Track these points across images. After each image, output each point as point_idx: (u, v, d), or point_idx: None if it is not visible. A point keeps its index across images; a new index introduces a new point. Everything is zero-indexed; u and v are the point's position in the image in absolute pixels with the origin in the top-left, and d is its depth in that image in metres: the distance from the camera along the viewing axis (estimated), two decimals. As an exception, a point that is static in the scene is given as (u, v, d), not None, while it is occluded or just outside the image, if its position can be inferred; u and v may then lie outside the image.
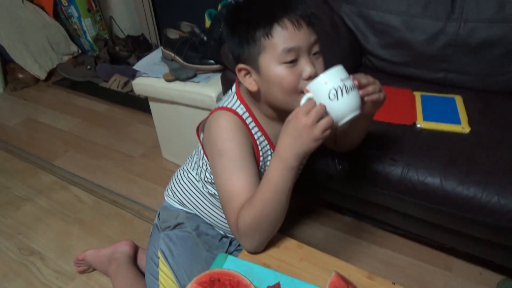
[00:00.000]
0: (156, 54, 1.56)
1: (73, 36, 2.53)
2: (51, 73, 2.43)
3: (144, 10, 2.51)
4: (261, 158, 0.84)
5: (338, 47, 1.31)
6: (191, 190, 0.99)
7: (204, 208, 0.99)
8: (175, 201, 1.03)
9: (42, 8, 2.39)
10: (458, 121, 1.11)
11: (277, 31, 0.70)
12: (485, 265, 1.18)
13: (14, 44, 2.24)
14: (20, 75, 2.33)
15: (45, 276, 1.24)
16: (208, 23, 1.47)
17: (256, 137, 0.83)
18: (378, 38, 1.34)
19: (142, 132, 1.90)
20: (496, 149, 1.00)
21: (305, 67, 0.71)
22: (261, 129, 0.83)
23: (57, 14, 2.46)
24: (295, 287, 0.67)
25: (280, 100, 0.76)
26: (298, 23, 0.71)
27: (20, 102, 2.23)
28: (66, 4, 2.36)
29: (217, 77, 1.33)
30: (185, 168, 1.02)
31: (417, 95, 1.24)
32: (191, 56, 1.38)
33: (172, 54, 1.44)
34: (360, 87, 0.70)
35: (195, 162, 0.97)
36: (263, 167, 0.86)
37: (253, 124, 0.82)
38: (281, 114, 0.80)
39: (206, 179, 0.92)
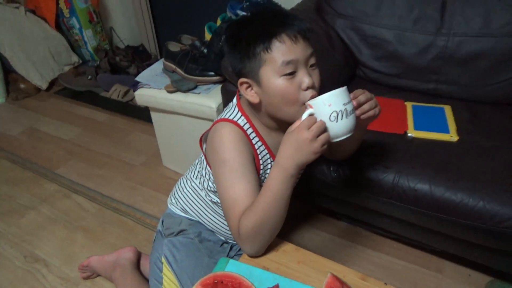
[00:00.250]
0: (158, 66, 1.61)
1: (74, 46, 2.57)
2: (52, 83, 2.47)
3: (144, 21, 2.56)
4: (262, 167, 0.89)
5: (334, 59, 1.37)
6: (194, 198, 1.03)
7: (207, 215, 1.03)
8: (178, 209, 1.07)
9: (44, 19, 2.44)
10: (447, 130, 1.16)
11: (276, 46, 0.75)
12: (474, 267, 1.23)
13: (16, 55, 2.29)
14: (22, 85, 2.37)
15: (50, 283, 1.28)
16: (208, 36, 1.53)
17: (256, 147, 0.87)
18: (371, 50, 1.40)
19: (142, 141, 1.95)
20: (482, 157, 1.06)
21: (304, 78, 0.77)
22: (261, 139, 0.88)
23: (59, 26, 2.50)
24: (293, 288, 0.72)
25: (281, 110, 0.80)
26: (295, 38, 0.76)
27: (21, 112, 2.27)
28: (68, 15, 2.41)
29: (217, 89, 1.38)
30: (188, 176, 1.06)
31: (409, 105, 1.29)
32: (192, 68, 1.43)
33: (173, 66, 1.49)
34: (358, 105, 0.76)
35: (198, 171, 1.01)
36: (263, 175, 0.91)
37: (253, 134, 0.87)
38: (281, 124, 0.86)
39: (209, 188, 0.96)
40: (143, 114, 2.05)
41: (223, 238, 1.05)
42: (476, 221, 0.96)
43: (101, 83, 2.32)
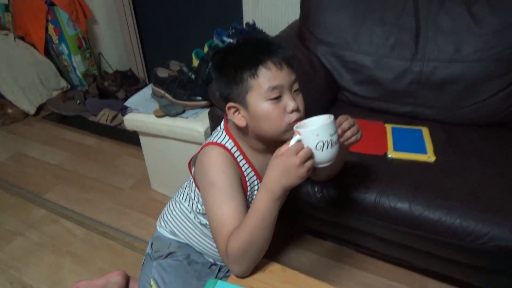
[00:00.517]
0: (146, 91, 1.65)
1: (63, 72, 2.60)
2: (40, 108, 2.48)
3: (132, 46, 2.62)
4: (249, 189, 0.92)
5: (316, 83, 1.43)
6: (183, 220, 1.05)
7: (195, 238, 1.05)
8: (167, 231, 1.09)
9: (34, 46, 2.47)
10: (424, 151, 1.22)
11: (262, 72, 0.80)
12: (456, 284, 1.26)
13: (5, 81, 2.31)
14: (10, 110, 2.38)
15: (37, 309, 1.27)
16: (195, 62, 1.58)
17: (243, 169, 0.91)
18: (352, 75, 1.47)
19: (130, 165, 1.96)
20: (458, 176, 1.11)
21: (289, 102, 0.81)
22: (248, 161, 0.92)
23: (48, 52, 2.54)
24: (279, 306, 0.74)
25: (268, 132, 0.85)
26: (280, 65, 0.81)
27: (9, 137, 2.27)
28: (57, 42, 2.45)
29: (205, 113, 1.42)
30: (177, 199, 1.09)
31: (388, 127, 1.35)
32: (180, 93, 1.47)
33: (162, 92, 1.53)
34: (342, 132, 0.81)
35: (187, 194, 1.04)
36: (250, 196, 0.94)
37: (241, 157, 0.91)
38: (267, 146, 0.90)
39: (197, 210, 0.99)
40: (131, 138, 2.07)
41: (211, 260, 1.07)
42: (454, 239, 1.00)
43: (89, 108, 2.34)
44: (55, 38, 2.44)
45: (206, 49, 1.62)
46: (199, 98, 1.45)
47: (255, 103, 0.82)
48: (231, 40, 1.73)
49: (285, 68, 0.82)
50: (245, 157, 0.92)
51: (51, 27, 2.40)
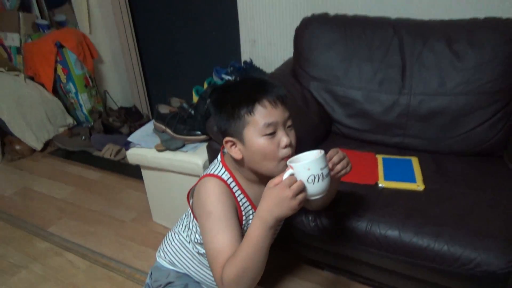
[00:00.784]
0: (149, 127, 1.73)
1: (70, 109, 2.71)
2: (47, 144, 2.56)
3: (136, 84, 2.73)
4: (244, 218, 0.97)
5: (309, 117, 1.50)
6: (182, 251, 1.10)
7: (194, 267, 1.09)
8: (167, 262, 1.13)
9: (42, 85, 2.59)
10: (413, 180, 1.26)
11: (258, 110, 0.87)
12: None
13: (14, 118, 2.41)
14: (18, 147, 2.46)
15: None
16: (195, 98, 1.66)
17: (239, 199, 0.96)
18: (343, 109, 1.54)
19: (133, 198, 2.01)
20: (446, 204, 1.15)
21: (283, 138, 0.88)
22: (243, 192, 0.97)
23: (56, 90, 2.65)
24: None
25: (262, 165, 0.91)
26: (275, 103, 0.89)
27: (16, 172, 2.34)
28: (65, 81, 2.57)
29: (203, 147, 1.48)
30: (176, 230, 1.13)
31: (379, 157, 1.41)
32: (180, 128, 1.55)
33: (163, 127, 1.61)
34: (332, 166, 0.87)
35: (186, 225, 1.09)
36: (245, 225, 0.99)
37: (236, 188, 0.96)
38: (261, 178, 0.96)
39: (196, 240, 1.04)
40: (134, 172, 2.13)
41: (209, 290, 1.11)
42: (442, 265, 1.03)
43: (94, 143, 2.43)
44: (63, 77, 2.56)
45: (205, 86, 1.71)
46: (198, 132, 1.52)
47: (251, 138, 0.88)
48: (229, 78, 1.83)
49: (280, 106, 0.89)
50: (240, 188, 0.97)
51: (59, 67, 2.53)
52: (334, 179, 0.90)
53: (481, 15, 1.40)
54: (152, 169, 1.62)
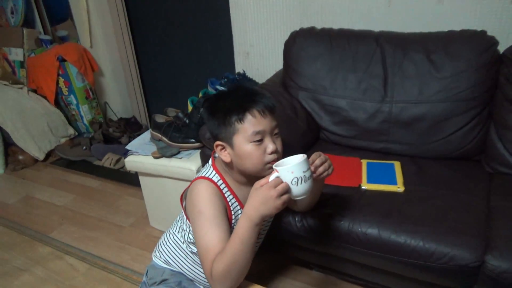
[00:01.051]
0: (146, 136, 1.82)
1: (71, 120, 2.80)
2: (49, 154, 2.65)
3: (135, 96, 2.83)
4: (233, 217, 1.04)
5: (298, 125, 1.58)
6: (176, 250, 1.16)
7: (187, 266, 1.15)
8: (162, 261, 1.20)
9: (45, 97, 2.69)
10: (395, 182, 1.34)
11: (248, 118, 0.94)
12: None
13: (17, 129, 2.50)
14: (20, 157, 2.55)
15: None
16: (190, 108, 1.75)
17: (228, 199, 1.03)
18: (330, 117, 1.62)
19: (131, 204, 2.09)
20: (423, 204, 1.22)
21: (269, 145, 0.96)
22: (232, 193, 1.04)
23: (58, 102, 2.75)
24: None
25: (250, 169, 0.98)
26: (264, 112, 0.96)
27: (19, 182, 2.42)
28: (66, 93, 2.66)
29: (197, 153, 1.56)
30: (171, 231, 1.20)
31: (364, 162, 1.48)
32: (175, 136, 1.63)
33: (159, 135, 1.69)
34: (315, 168, 0.94)
35: (180, 226, 1.15)
36: (235, 224, 1.05)
37: (226, 189, 1.03)
38: (249, 179, 1.02)
39: (189, 240, 1.10)
40: (132, 179, 2.22)
41: (201, 287, 1.17)
42: (419, 260, 1.10)
43: (94, 153, 2.51)
44: (64, 90, 2.66)
45: (200, 96, 1.79)
46: (193, 140, 1.60)
47: (240, 144, 0.96)
48: (223, 88, 1.91)
49: (268, 115, 0.97)
50: (230, 189, 1.04)
51: (61, 80, 2.63)
52: (317, 181, 0.98)
53: (457, 27, 1.49)
54: (149, 175, 1.70)
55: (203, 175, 1.05)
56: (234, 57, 2.19)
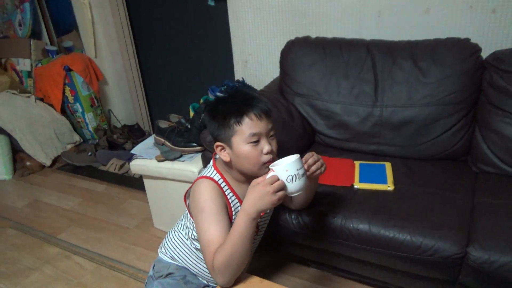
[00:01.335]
0: (150, 140, 1.91)
1: (77, 127, 2.89)
2: (55, 160, 2.74)
3: (139, 103, 2.92)
4: (234, 213, 1.11)
5: (294, 129, 1.66)
6: (181, 247, 1.23)
7: (191, 261, 1.22)
8: (167, 257, 1.27)
9: (52, 106, 2.78)
10: (385, 182, 1.42)
11: (245, 121, 1.02)
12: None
13: (25, 137, 2.59)
14: (28, 163, 2.63)
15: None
16: (192, 114, 1.84)
17: (229, 197, 1.10)
18: (324, 121, 1.70)
19: (136, 207, 2.17)
20: (411, 201, 1.30)
21: (265, 146, 1.04)
22: (232, 190, 1.12)
23: (64, 110, 2.84)
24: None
25: (246, 168, 1.06)
26: (260, 116, 1.04)
27: (27, 187, 2.50)
28: (72, 102, 2.76)
29: (199, 157, 1.65)
30: (176, 229, 1.27)
31: (357, 163, 1.56)
32: (178, 140, 1.72)
33: (163, 140, 1.78)
34: (308, 167, 1.02)
35: (184, 224, 1.23)
36: (235, 219, 1.12)
37: (226, 187, 1.11)
38: (247, 178, 1.09)
39: (193, 237, 1.17)
40: (136, 184, 2.31)
41: (205, 282, 1.24)
42: (407, 252, 1.18)
43: (99, 159, 2.59)
44: (70, 98, 2.75)
45: (201, 103, 1.88)
46: (194, 144, 1.68)
47: (238, 145, 1.04)
48: (223, 95, 2.00)
49: (264, 118, 1.05)
50: (230, 187, 1.12)
51: (67, 89, 2.72)
52: (311, 179, 1.06)
53: (443, 36, 1.58)
54: (153, 178, 1.78)
55: (204, 174, 1.12)
56: (234, 65, 2.28)
